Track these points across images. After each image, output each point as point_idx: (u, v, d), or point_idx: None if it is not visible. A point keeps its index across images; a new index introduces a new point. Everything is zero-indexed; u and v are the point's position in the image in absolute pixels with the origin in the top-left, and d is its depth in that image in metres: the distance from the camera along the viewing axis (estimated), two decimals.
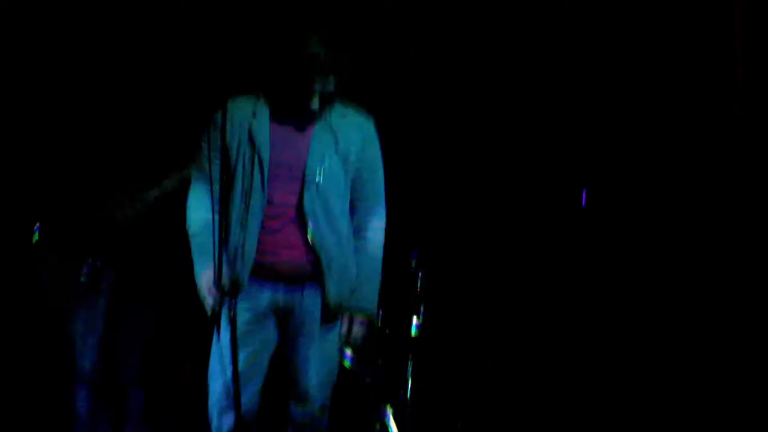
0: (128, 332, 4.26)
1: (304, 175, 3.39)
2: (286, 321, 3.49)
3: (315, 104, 3.36)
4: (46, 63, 4.50)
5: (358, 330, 3.52)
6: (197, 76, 4.40)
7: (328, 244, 3.42)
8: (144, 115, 4.17)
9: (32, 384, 4.74)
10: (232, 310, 3.18)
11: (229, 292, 3.23)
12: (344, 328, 3.51)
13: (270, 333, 3.49)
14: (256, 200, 3.37)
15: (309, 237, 3.39)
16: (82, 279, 4.10)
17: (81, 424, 4.21)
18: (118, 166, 4.15)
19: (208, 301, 3.36)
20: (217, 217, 3.21)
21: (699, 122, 4.85)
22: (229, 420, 3.37)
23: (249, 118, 3.42)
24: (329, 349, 3.52)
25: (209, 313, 3.35)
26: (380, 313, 4.75)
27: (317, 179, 3.38)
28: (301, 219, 3.40)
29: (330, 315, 3.48)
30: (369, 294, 3.54)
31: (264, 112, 3.43)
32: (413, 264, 4.80)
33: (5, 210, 4.59)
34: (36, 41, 4.59)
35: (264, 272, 3.43)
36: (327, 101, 3.43)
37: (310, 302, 3.46)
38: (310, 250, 3.41)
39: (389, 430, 4.61)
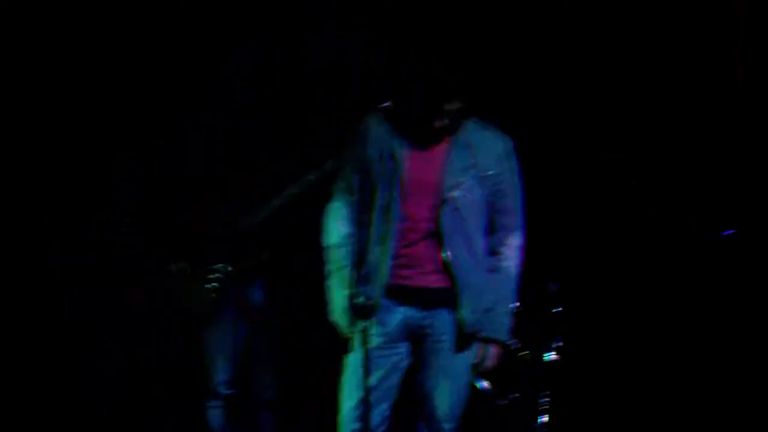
0: (263, 349, 4.18)
1: (441, 192, 3.38)
2: (418, 343, 3.45)
3: (446, 123, 3.36)
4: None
5: (491, 357, 3.47)
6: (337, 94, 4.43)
7: (464, 265, 3.38)
8: (273, 126, 4.16)
9: (166, 400, 4.72)
10: (366, 332, 3.19)
11: (363, 314, 3.24)
12: (480, 354, 3.46)
13: (402, 355, 3.45)
14: (394, 218, 3.36)
15: (444, 257, 3.36)
16: (213, 291, 4.03)
17: None
18: (241, 175, 4.10)
19: (340, 324, 3.38)
20: (356, 231, 3.28)
21: (699, 122, 4.86)
22: None
23: (388, 134, 3.40)
24: (461, 373, 3.46)
25: (343, 334, 3.37)
26: (516, 339, 4.63)
27: (454, 197, 3.37)
28: (437, 238, 3.37)
29: (463, 340, 3.42)
30: (502, 318, 3.48)
31: (403, 129, 3.41)
32: (552, 290, 4.72)
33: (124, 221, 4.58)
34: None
35: (398, 294, 3.39)
36: (463, 118, 3.43)
37: (443, 326, 3.41)
38: (445, 270, 3.37)
39: None
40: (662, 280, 4.88)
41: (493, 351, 3.47)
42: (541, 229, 4.60)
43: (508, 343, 3.55)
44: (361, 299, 3.22)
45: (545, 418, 4.64)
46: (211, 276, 4.02)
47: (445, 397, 3.42)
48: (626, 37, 4.96)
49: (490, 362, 3.47)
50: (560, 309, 4.68)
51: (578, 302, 4.94)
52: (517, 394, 4.70)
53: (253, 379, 4.19)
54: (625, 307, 4.95)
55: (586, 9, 5.02)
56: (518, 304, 4.55)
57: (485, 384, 4.44)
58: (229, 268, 4.03)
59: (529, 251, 3.61)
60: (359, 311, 3.23)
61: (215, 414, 4.14)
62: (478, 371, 3.49)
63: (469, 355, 3.46)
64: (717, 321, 4.71)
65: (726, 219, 4.74)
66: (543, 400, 4.65)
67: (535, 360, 4.69)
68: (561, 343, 4.66)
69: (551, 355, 4.67)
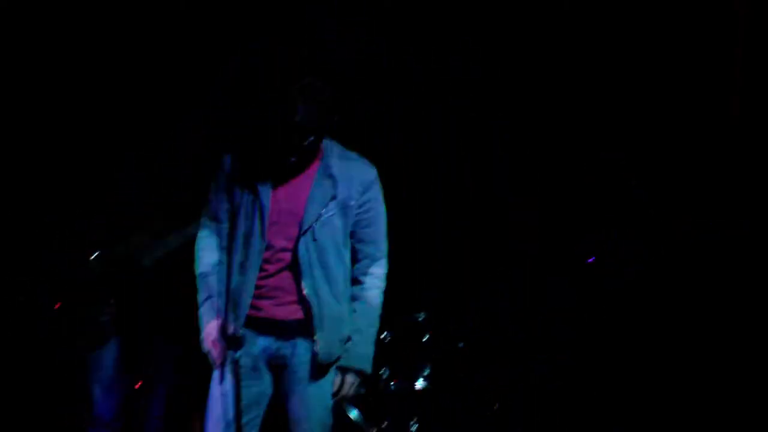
0: (151, 380, 4.21)
1: (301, 223, 3.36)
2: (279, 374, 3.45)
3: (298, 158, 3.35)
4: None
5: (349, 385, 3.45)
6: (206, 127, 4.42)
7: (322, 295, 3.37)
8: (165, 159, 4.16)
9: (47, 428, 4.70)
10: (235, 362, 3.19)
11: (231, 344, 3.24)
12: (336, 383, 3.44)
13: (265, 385, 3.44)
14: (254, 245, 3.34)
15: (302, 287, 3.35)
16: (102, 320, 4.06)
17: None
18: (142, 209, 4.12)
19: (213, 353, 3.36)
20: (224, 259, 3.26)
21: (698, 122, 4.86)
22: None
23: (253, 163, 3.42)
24: (321, 403, 3.44)
25: (214, 364, 3.35)
26: (386, 367, 4.68)
27: (313, 227, 3.35)
28: (296, 267, 3.36)
29: (320, 370, 3.41)
30: (363, 347, 3.46)
31: (267, 158, 3.43)
32: (420, 318, 4.75)
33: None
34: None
35: (255, 324, 3.38)
36: (327, 146, 3.43)
37: (301, 356, 3.40)
38: (303, 300, 3.36)
39: None
40: (662, 280, 4.89)
41: (349, 380, 3.44)
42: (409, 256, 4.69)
43: (368, 371, 3.49)
44: (230, 330, 3.22)
45: None
46: (104, 307, 4.07)
47: (308, 428, 3.41)
48: (626, 37, 4.97)
49: (346, 391, 3.44)
50: (428, 337, 4.69)
51: (578, 302, 4.98)
52: (386, 423, 4.68)
53: (143, 410, 4.22)
54: (626, 306, 4.95)
55: (586, 9, 5.02)
56: (387, 332, 4.62)
57: (354, 413, 4.43)
58: (124, 301, 4.08)
59: (398, 279, 3.60)
60: (228, 341, 3.23)
61: None
62: (339, 400, 3.46)
63: (329, 385, 3.44)
64: (717, 321, 4.71)
65: (726, 219, 4.75)
66: (413, 428, 4.65)
67: (405, 388, 4.69)
68: (429, 371, 4.67)
69: (421, 383, 4.67)
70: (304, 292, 3.35)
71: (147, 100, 4.28)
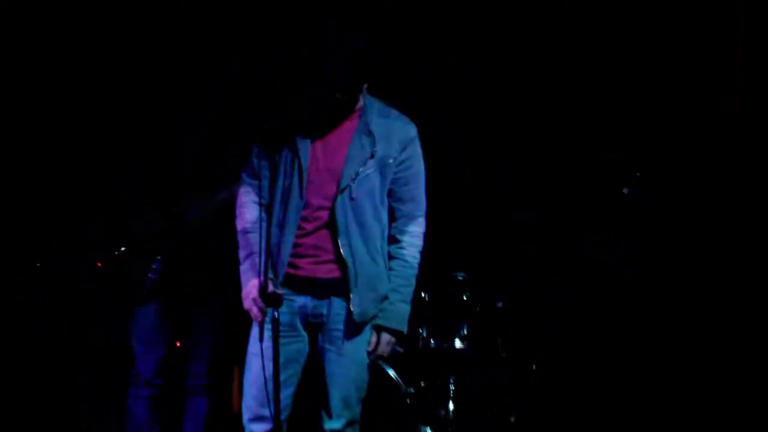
0: (195, 338, 4.22)
1: (339, 181, 3.36)
2: (316, 332, 3.45)
3: (334, 113, 3.36)
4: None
5: (384, 344, 3.44)
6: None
7: (358, 254, 3.36)
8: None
9: (89, 387, 4.73)
10: (274, 320, 3.17)
11: (271, 302, 3.23)
12: (372, 342, 3.43)
13: (302, 343, 3.44)
14: (293, 203, 3.35)
15: (339, 245, 3.34)
16: (149, 281, 4.06)
17: (134, 427, 4.14)
18: (189, 169, 4.11)
19: (253, 311, 3.36)
20: (264, 219, 3.24)
21: (698, 122, 4.86)
22: (261, 427, 3.36)
23: (292, 121, 3.39)
24: (357, 362, 3.43)
25: (255, 321, 3.35)
26: (423, 326, 4.73)
27: (351, 185, 3.34)
28: (333, 226, 3.35)
29: (356, 329, 3.40)
30: (399, 307, 3.44)
31: (305, 116, 3.40)
32: (459, 278, 4.77)
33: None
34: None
35: (293, 283, 3.39)
36: (368, 103, 3.41)
37: (337, 315, 3.40)
38: (340, 259, 3.35)
39: None
40: (662, 280, 4.89)
41: (384, 339, 3.43)
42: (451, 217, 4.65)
43: (404, 330, 3.47)
44: (270, 288, 3.21)
45: (451, 406, 4.70)
46: (149, 267, 4.06)
47: (342, 386, 3.41)
48: (626, 37, 4.97)
49: (382, 350, 3.43)
50: (469, 296, 4.71)
51: (577, 302, 4.98)
52: (423, 382, 4.73)
53: (185, 367, 4.22)
54: (626, 306, 4.95)
55: (586, 9, 5.02)
56: (425, 293, 4.67)
57: (392, 372, 4.47)
58: (169, 259, 4.07)
59: (437, 241, 3.59)
60: (267, 299, 3.21)
61: (139, 404, 4.14)
62: (375, 359, 3.46)
63: (365, 344, 3.44)
64: (716, 321, 4.71)
65: (726, 219, 4.75)
66: (450, 387, 4.71)
67: (441, 348, 4.73)
68: (467, 332, 4.70)
69: (458, 343, 4.71)
70: (341, 250, 3.34)
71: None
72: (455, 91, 5.14)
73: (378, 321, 3.42)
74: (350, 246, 3.35)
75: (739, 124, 4.84)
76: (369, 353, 3.44)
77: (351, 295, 3.36)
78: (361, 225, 3.37)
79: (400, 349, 4.80)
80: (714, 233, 4.74)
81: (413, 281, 3.49)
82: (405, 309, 3.46)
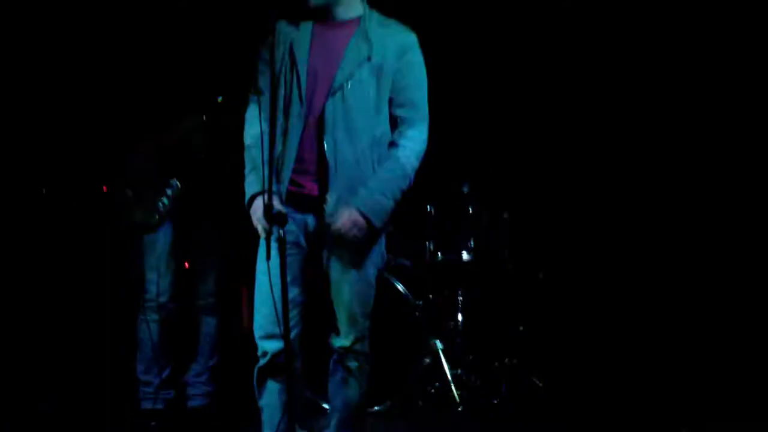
0: (204, 259, 4.26)
1: (332, 83, 3.32)
2: (321, 250, 3.42)
3: (340, 12, 3.34)
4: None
5: (347, 221, 3.29)
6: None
7: (341, 155, 3.30)
8: (210, 43, 4.13)
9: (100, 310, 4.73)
10: (280, 238, 3.11)
11: (276, 220, 3.14)
12: (337, 218, 3.31)
13: (305, 262, 3.43)
14: (294, 111, 3.32)
15: (323, 144, 3.30)
16: (163, 203, 4.08)
17: (145, 351, 4.20)
18: (193, 91, 4.11)
19: (259, 229, 3.30)
20: (266, 129, 3.18)
21: (699, 121, 4.84)
22: (273, 344, 3.38)
23: (293, 31, 3.36)
24: (361, 280, 3.41)
25: (262, 236, 3.31)
26: (432, 242, 4.77)
27: (344, 87, 3.29)
28: (321, 125, 3.32)
29: (360, 247, 3.35)
30: (374, 194, 3.32)
31: (307, 25, 3.37)
32: (464, 191, 4.81)
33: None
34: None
35: (298, 200, 3.37)
36: (367, 14, 3.38)
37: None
38: (322, 160, 3.31)
39: (440, 360, 4.66)
40: (662, 280, 4.93)
41: (351, 215, 3.28)
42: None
43: (375, 222, 3.28)
44: (275, 205, 3.13)
45: (460, 317, 4.78)
46: (162, 190, 4.07)
47: (348, 303, 3.40)
48: (627, 37, 4.95)
49: (344, 228, 3.28)
50: (474, 208, 4.76)
51: (577, 302, 5.06)
52: (431, 296, 4.81)
53: (195, 288, 4.26)
54: (626, 306, 5.01)
55: (585, 9, 4.99)
56: (431, 206, 4.75)
57: (400, 286, 4.51)
58: (179, 185, 4.08)
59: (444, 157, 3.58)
60: (271, 218, 3.12)
61: (151, 329, 4.17)
62: (335, 239, 3.31)
63: (371, 261, 3.42)
64: (716, 320, 4.76)
65: (726, 219, 4.77)
66: (458, 299, 4.79)
67: (448, 261, 4.79)
68: (473, 244, 4.75)
69: (465, 255, 4.77)
70: (325, 148, 3.30)
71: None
72: (456, 91, 5.04)
73: (351, 201, 3.32)
74: (335, 145, 3.30)
75: (739, 124, 4.80)
76: (331, 229, 3.31)
77: (327, 196, 3.31)
78: (350, 129, 3.31)
79: (408, 263, 4.86)
80: (713, 233, 4.79)
81: (401, 182, 3.37)
82: (381, 199, 3.33)
